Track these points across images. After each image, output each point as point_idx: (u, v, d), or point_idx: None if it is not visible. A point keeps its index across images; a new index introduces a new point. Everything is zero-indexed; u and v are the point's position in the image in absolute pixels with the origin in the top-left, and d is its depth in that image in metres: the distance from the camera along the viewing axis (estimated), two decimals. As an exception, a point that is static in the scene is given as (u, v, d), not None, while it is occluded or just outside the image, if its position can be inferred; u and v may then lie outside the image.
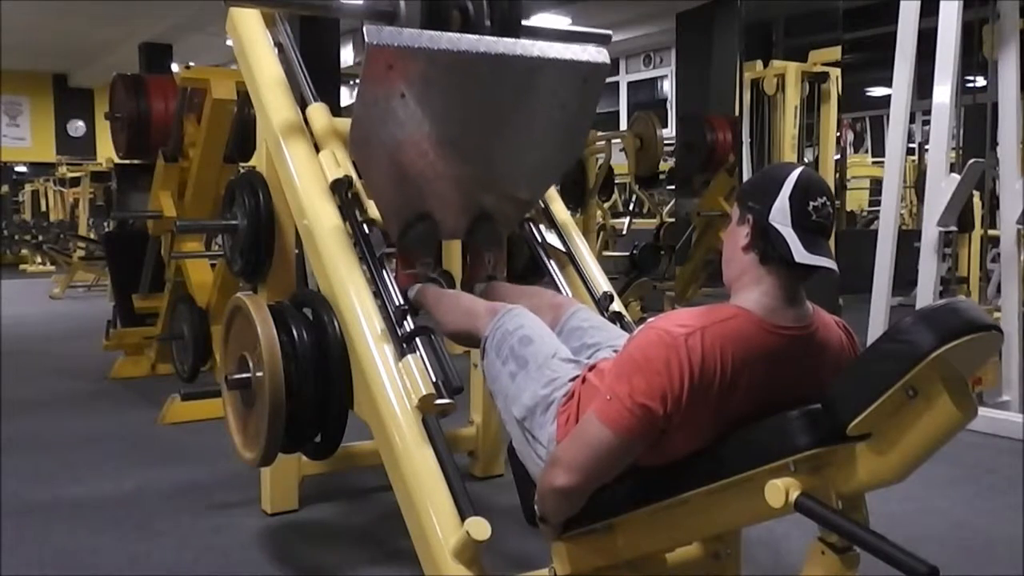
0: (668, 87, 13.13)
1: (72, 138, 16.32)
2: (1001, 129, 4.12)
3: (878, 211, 4.96)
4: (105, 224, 11.01)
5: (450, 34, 2.09)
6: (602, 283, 2.45)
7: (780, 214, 1.43)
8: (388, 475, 1.89)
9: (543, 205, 2.64)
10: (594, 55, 2.24)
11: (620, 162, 8.29)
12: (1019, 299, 4.06)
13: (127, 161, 5.08)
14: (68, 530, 2.68)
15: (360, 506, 2.97)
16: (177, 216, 4.33)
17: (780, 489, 1.32)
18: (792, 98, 6.61)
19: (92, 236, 11.34)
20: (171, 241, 4.52)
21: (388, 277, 2.11)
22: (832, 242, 1.53)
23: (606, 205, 9.10)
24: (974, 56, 4.31)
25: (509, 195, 2.44)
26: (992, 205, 4.99)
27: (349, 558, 2.51)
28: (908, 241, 4.33)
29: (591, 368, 1.71)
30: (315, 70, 2.57)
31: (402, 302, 2.04)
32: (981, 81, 4.50)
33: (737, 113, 7.08)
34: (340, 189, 2.21)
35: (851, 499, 1.39)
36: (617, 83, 14.02)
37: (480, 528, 1.63)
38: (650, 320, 1.50)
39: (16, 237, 14.04)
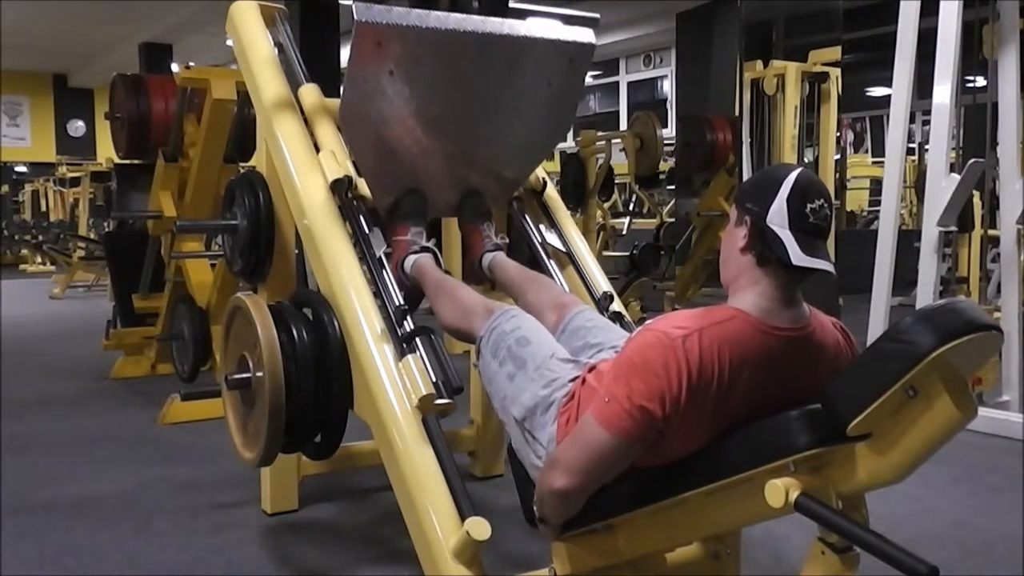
0: (668, 87, 13.13)
1: (72, 138, 16.33)
2: (1001, 129, 4.12)
3: (878, 211, 4.96)
4: (105, 224, 11.02)
5: (437, 12, 2.12)
6: (602, 283, 2.45)
7: (778, 216, 1.43)
8: (388, 475, 1.89)
9: (544, 205, 2.64)
10: (580, 35, 2.27)
11: (620, 162, 8.30)
12: (1019, 299, 4.06)
13: (127, 161, 5.08)
14: (68, 530, 2.68)
15: (360, 506, 2.97)
16: (177, 216, 4.33)
17: (780, 489, 1.32)
18: (792, 98, 6.60)
19: (92, 236, 11.34)
20: (171, 241, 4.52)
21: (388, 277, 2.11)
22: (832, 242, 1.53)
23: (606, 205, 9.10)
24: (974, 56, 4.31)
25: (496, 173, 2.49)
26: (992, 205, 5.00)
27: (349, 558, 2.51)
28: (908, 241, 4.34)
29: (591, 369, 1.71)
30: (315, 70, 2.57)
31: (402, 302, 2.04)
32: (981, 81, 4.50)
33: (737, 113, 7.08)
34: (340, 189, 2.21)
35: (851, 499, 1.39)
36: (617, 83, 14.03)
37: (480, 528, 1.64)
38: (648, 322, 1.51)
39: (16, 237, 14.04)
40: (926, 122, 6.25)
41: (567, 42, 2.26)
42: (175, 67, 9.21)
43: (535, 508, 1.64)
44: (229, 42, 2.66)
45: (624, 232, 9.50)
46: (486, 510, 1.70)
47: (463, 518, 1.68)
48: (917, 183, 8.63)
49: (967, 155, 4.57)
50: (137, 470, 3.27)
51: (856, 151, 12.33)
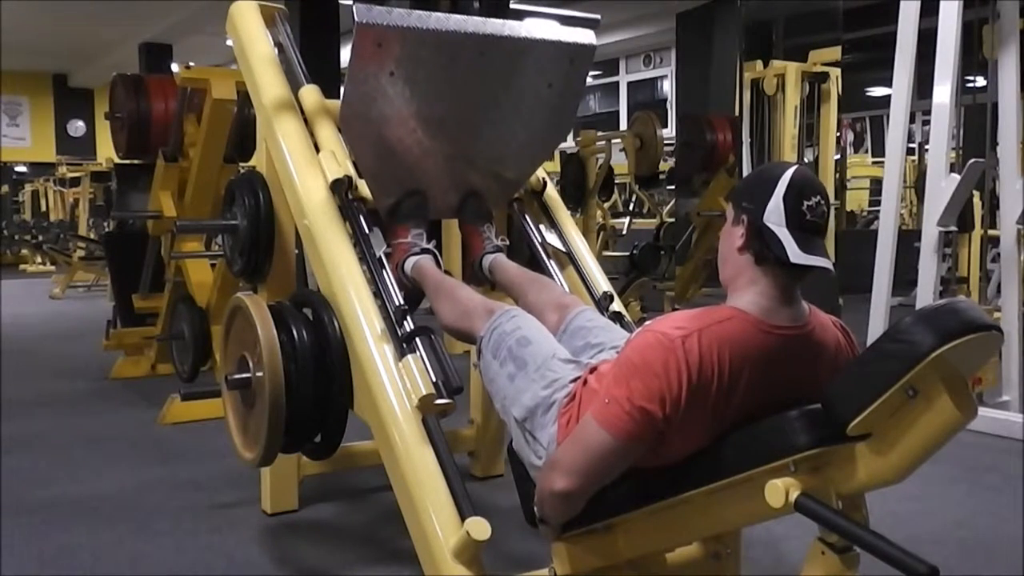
0: (668, 87, 13.13)
1: (72, 138, 16.32)
2: (1001, 129, 4.12)
3: (878, 211, 4.96)
4: (105, 224, 11.02)
5: (438, 14, 2.12)
6: (602, 283, 2.45)
7: (774, 214, 1.43)
8: (388, 475, 1.89)
9: (544, 205, 2.64)
10: (581, 36, 2.28)
11: (620, 162, 8.29)
12: (1019, 299, 4.06)
13: (127, 161, 5.08)
14: (68, 530, 2.68)
15: (360, 506, 2.97)
16: (177, 216, 4.33)
17: (780, 489, 1.32)
18: (792, 98, 6.61)
19: (92, 236, 11.33)
20: (171, 241, 4.52)
21: (388, 277, 2.11)
22: (832, 242, 1.53)
23: (606, 205, 9.10)
24: (974, 56, 4.31)
25: (497, 174, 2.49)
26: (992, 205, 4.99)
27: (349, 558, 2.51)
28: (908, 241, 4.33)
29: (592, 369, 1.71)
30: (315, 70, 2.57)
31: (402, 302, 2.04)
32: (981, 81, 4.50)
33: (737, 113, 7.08)
34: (340, 189, 2.21)
35: (851, 499, 1.39)
36: (617, 83, 14.03)
37: (480, 528, 1.64)
38: (647, 323, 1.50)
39: (16, 237, 14.04)
40: (926, 122, 6.25)
41: (568, 43, 2.26)
42: (175, 67, 9.20)
43: (535, 508, 1.64)
44: (229, 42, 2.66)
45: (624, 232, 9.50)
46: (486, 510, 1.70)
47: (463, 518, 1.68)
48: (917, 183, 8.63)
49: (967, 155, 4.57)
50: (137, 470, 3.27)
51: (856, 151, 12.33)
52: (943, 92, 3.94)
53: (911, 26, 4.04)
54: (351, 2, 2.03)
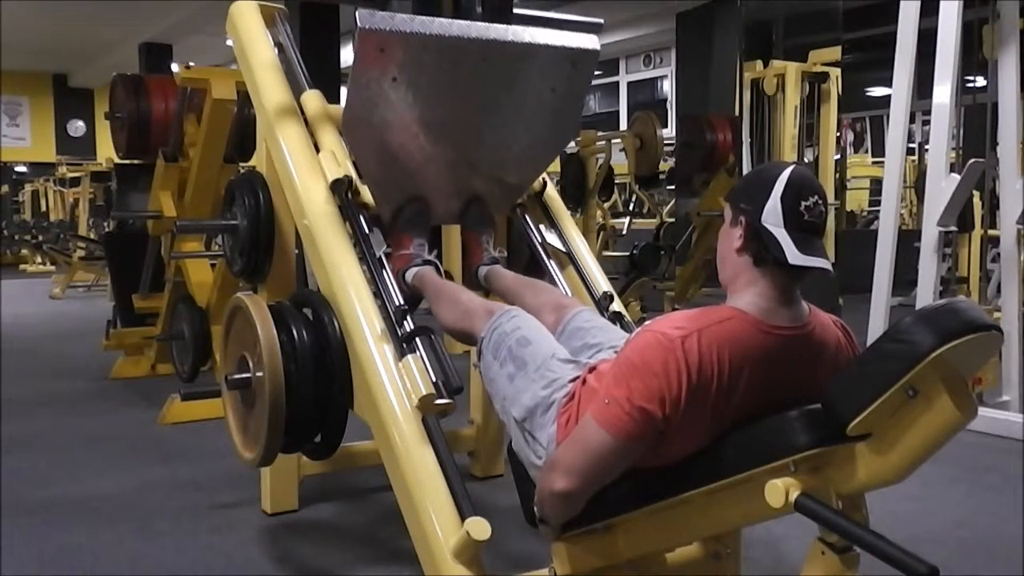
0: (668, 87, 13.12)
1: (72, 138, 16.32)
2: (1001, 129, 4.12)
3: (878, 211, 4.96)
4: (105, 224, 11.02)
5: (441, 19, 2.12)
6: (602, 283, 2.45)
7: (772, 215, 1.43)
8: (388, 475, 1.89)
9: (544, 205, 2.64)
10: (583, 41, 2.27)
11: (620, 162, 8.29)
12: (1019, 299, 4.06)
13: (127, 161, 5.08)
14: (68, 530, 2.68)
15: (360, 506, 2.97)
16: (177, 216, 4.33)
17: (780, 489, 1.32)
18: (792, 98, 6.61)
19: (92, 236, 11.34)
20: (171, 241, 4.52)
21: (388, 277, 2.11)
22: (832, 242, 1.53)
23: (606, 205, 9.09)
24: (974, 56, 4.31)
25: (499, 179, 2.48)
26: (992, 205, 4.99)
27: (349, 558, 2.51)
28: (908, 241, 4.33)
29: (591, 369, 1.71)
30: (315, 70, 2.57)
31: (402, 302, 2.04)
32: (981, 81, 4.50)
33: (737, 113, 7.08)
34: (340, 189, 2.21)
35: (851, 499, 1.39)
36: (617, 83, 14.02)
37: (480, 528, 1.64)
38: (647, 323, 1.50)
39: (16, 237, 14.03)
40: (926, 122, 6.25)
41: (571, 48, 2.25)
42: (175, 67, 9.21)
43: (535, 508, 1.64)
44: (229, 42, 2.66)
45: (624, 232, 9.49)
46: (486, 510, 1.70)
47: (463, 518, 1.68)
48: (917, 183, 8.62)
49: (967, 155, 4.57)
50: (137, 470, 3.27)
51: (856, 151, 12.33)
52: (943, 92, 3.94)
53: (911, 26, 4.04)
54: (351, 4, 2.03)
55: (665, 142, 7.58)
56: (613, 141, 7.70)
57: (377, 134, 2.20)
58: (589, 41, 2.29)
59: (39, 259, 13.09)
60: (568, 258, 2.52)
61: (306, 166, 2.28)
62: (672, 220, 8.10)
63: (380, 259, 2.13)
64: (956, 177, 3.91)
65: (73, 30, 11.79)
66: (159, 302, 4.71)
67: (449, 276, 2.39)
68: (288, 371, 1.99)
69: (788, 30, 7.33)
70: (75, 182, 13.57)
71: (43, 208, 14.86)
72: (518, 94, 2.28)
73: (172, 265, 4.51)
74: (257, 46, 2.52)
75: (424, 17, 2.09)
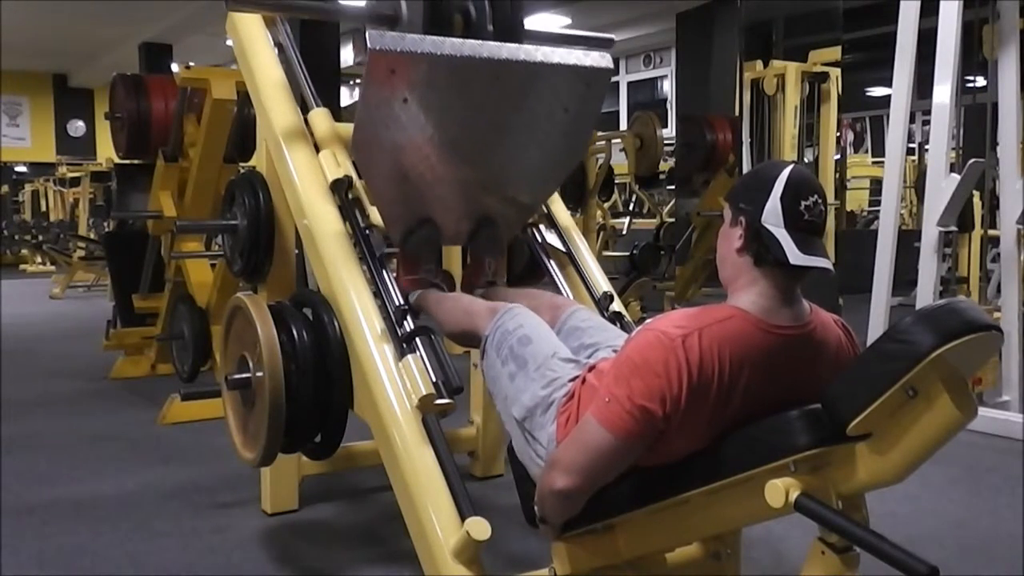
0: (668, 87, 13.12)
1: (72, 138, 16.31)
2: (1001, 129, 4.12)
3: (878, 211, 4.96)
4: (105, 224, 11.02)
5: (452, 39, 2.08)
6: (602, 283, 2.45)
7: (772, 215, 1.43)
8: (388, 475, 1.90)
9: (544, 207, 2.64)
10: (597, 60, 2.23)
11: (620, 162, 8.28)
12: (1019, 299, 4.06)
13: (127, 161, 5.07)
14: (68, 530, 2.68)
15: (360, 506, 2.97)
16: (177, 216, 4.33)
17: (780, 489, 1.32)
18: (792, 98, 6.61)
19: (92, 236, 11.34)
20: (171, 241, 4.52)
21: (388, 277, 2.11)
22: (832, 242, 1.53)
23: (606, 205, 9.09)
24: (974, 56, 4.31)
25: (511, 199, 2.44)
26: (992, 205, 4.99)
27: (349, 558, 2.51)
28: (908, 241, 4.33)
29: (591, 368, 1.71)
30: (315, 70, 2.56)
31: (402, 302, 2.04)
32: (981, 81, 4.50)
33: (737, 113, 7.08)
34: (340, 189, 2.21)
35: (851, 499, 1.39)
36: (617, 83, 14.00)
37: (480, 528, 1.63)
38: (648, 322, 1.50)
39: (16, 237, 14.03)
40: (926, 122, 6.24)
41: (583, 67, 2.20)
42: (175, 67, 9.21)
43: (535, 508, 1.64)
44: (229, 42, 2.66)
45: (624, 232, 9.49)
46: (486, 510, 1.70)
47: (463, 518, 1.68)
48: (917, 183, 8.62)
49: (967, 155, 4.56)
50: (137, 470, 3.27)
51: (856, 151, 12.32)
52: (943, 92, 3.94)
53: (911, 26, 4.04)
54: (361, 27, 2.00)
55: (665, 142, 7.58)
56: (613, 141, 7.69)
57: (388, 155, 2.16)
58: (602, 60, 2.24)
59: (39, 259, 13.08)
60: (568, 258, 2.52)
61: (306, 166, 2.28)
62: (672, 220, 8.10)
63: (380, 259, 2.13)
64: (956, 177, 3.91)
65: (73, 30, 11.78)
66: (159, 302, 4.71)
67: (450, 277, 2.39)
68: (288, 371, 1.99)
69: (788, 30, 7.33)
70: (75, 182, 13.57)
71: (43, 208, 14.86)
72: (530, 114, 2.24)
73: (172, 265, 4.51)
74: (256, 46, 2.52)
75: (435, 37, 2.05)
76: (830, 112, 6.77)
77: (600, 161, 7.64)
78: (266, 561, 2.47)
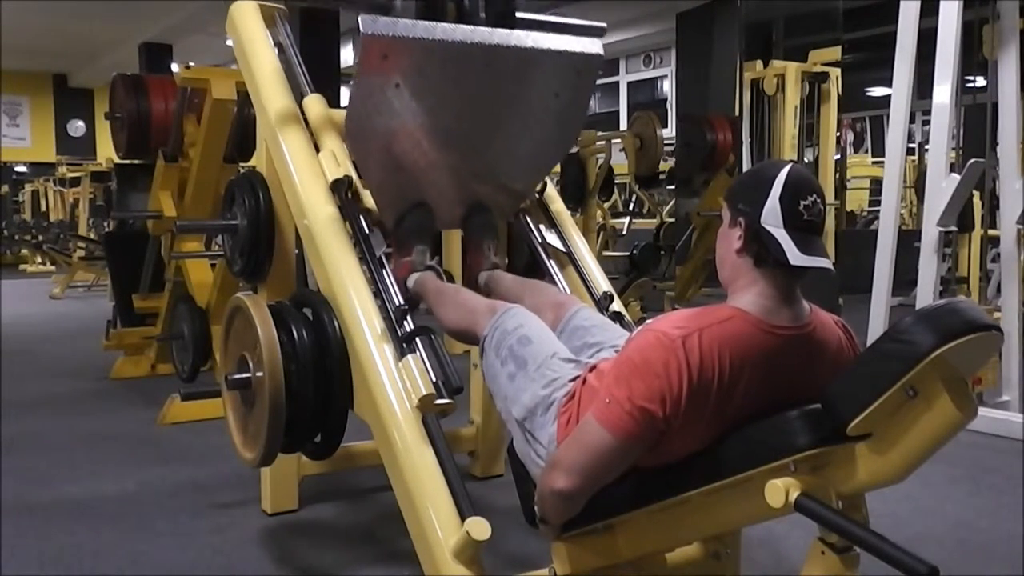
0: (668, 87, 13.12)
1: (72, 138, 16.32)
2: (1001, 129, 4.12)
3: (878, 211, 4.96)
4: (105, 224, 11.02)
5: (444, 25, 2.11)
6: (602, 283, 2.45)
7: (771, 216, 1.43)
8: (388, 475, 1.89)
9: (544, 205, 2.64)
10: (588, 46, 2.26)
11: (620, 162, 8.28)
12: (1019, 299, 4.06)
13: (127, 161, 5.08)
14: (68, 530, 2.68)
15: (360, 506, 2.97)
16: (177, 216, 4.34)
17: (780, 489, 1.32)
18: (792, 98, 6.61)
19: (92, 236, 11.34)
20: (171, 241, 4.52)
21: (388, 277, 2.11)
22: (832, 242, 1.53)
23: (606, 205, 9.09)
24: (974, 56, 4.31)
25: (503, 185, 2.47)
26: (992, 205, 4.99)
27: (349, 558, 2.51)
28: (908, 241, 4.33)
29: (592, 368, 1.71)
30: (315, 70, 2.57)
31: (402, 302, 2.04)
32: (981, 81, 4.50)
33: (737, 113, 7.08)
34: (340, 189, 2.21)
35: (851, 499, 1.39)
36: (617, 83, 14.01)
37: (480, 528, 1.63)
38: (648, 322, 1.50)
39: (16, 237, 14.03)
40: (926, 122, 6.24)
41: (574, 53, 2.24)
42: (175, 67, 9.21)
43: (535, 508, 1.64)
44: (229, 42, 2.66)
45: (624, 232, 9.49)
46: (486, 510, 1.70)
47: (463, 518, 1.68)
48: (917, 183, 8.62)
49: (967, 155, 4.56)
50: (137, 470, 3.27)
51: (856, 151, 12.33)
52: (943, 92, 3.94)
53: (911, 26, 4.04)
54: (355, 12, 2.02)
55: (665, 142, 7.58)
56: (613, 141, 7.69)
57: (380, 140, 2.19)
58: (593, 46, 2.27)
59: (39, 259, 13.09)
60: (568, 258, 2.52)
61: (306, 166, 2.28)
62: (672, 220, 8.10)
63: (380, 259, 2.13)
64: (956, 177, 3.91)
65: (73, 30, 11.78)
66: (159, 302, 4.71)
67: (450, 277, 2.39)
68: (288, 371, 1.99)
69: (788, 30, 7.33)
70: (75, 182, 13.56)
71: (43, 208, 14.86)
72: (522, 100, 2.27)
73: (172, 265, 4.51)
74: (257, 46, 2.52)
75: (427, 23, 2.08)
76: (830, 112, 6.77)
77: (600, 161, 7.64)
78: (266, 561, 2.47)
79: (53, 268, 12.05)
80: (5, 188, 15.05)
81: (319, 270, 2.17)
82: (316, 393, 2.03)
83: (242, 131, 4.19)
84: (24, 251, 13.73)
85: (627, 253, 7.38)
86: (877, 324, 4.09)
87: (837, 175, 7.16)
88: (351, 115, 2.13)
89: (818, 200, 1.44)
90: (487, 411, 3.07)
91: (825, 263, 1.43)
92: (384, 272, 2.11)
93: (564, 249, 2.54)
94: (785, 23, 7.33)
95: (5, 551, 2.50)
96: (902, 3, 4.06)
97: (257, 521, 2.75)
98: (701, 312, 1.47)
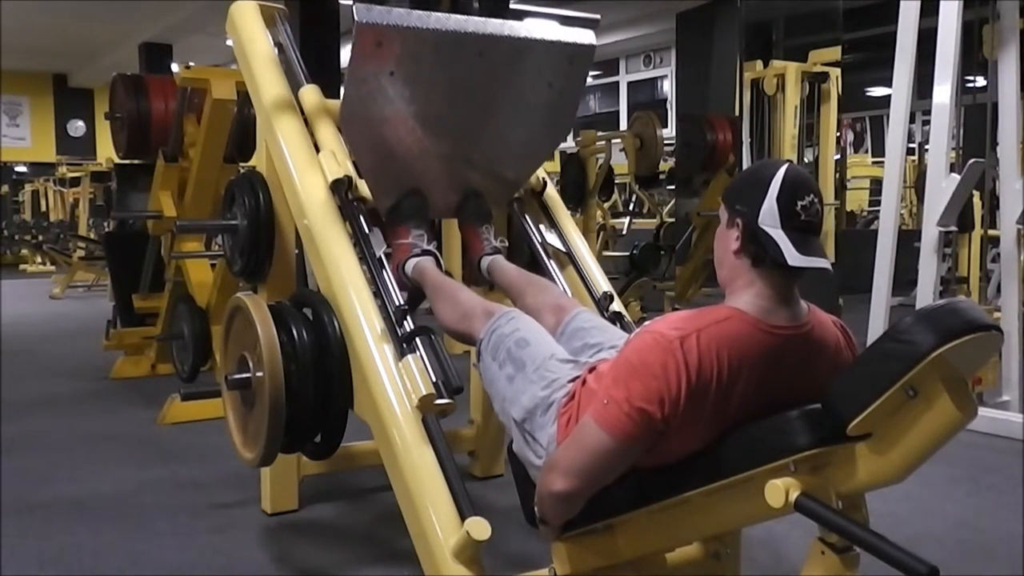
0: (668, 87, 13.12)
1: (72, 138, 16.31)
2: (1001, 129, 4.12)
3: (878, 211, 4.96)
4: (105, 224, 11.02)
5: (438, 14, 2.13)
6: (602, 283, 2.45)
7: (769, 216, 1.42)
8: (388, 475, 1.89)
9: (544, 205, 2.64)
10: (580, 36, 2.28)
11: (620, 162, 8.29)
12: (1019, 299, 4.06)
13: (127, 161, 5.08)
14: (68, 530, 2.68)
15: (360, 506, 2.97)
16: (177, 216, 4.34)
17: (780, 489, 1.32)
18: (792, 98, 6.61)
19: (92, 236, 11.34)
20: (171, 241, 4.52)
21: (388, 277, 2.11)
22: (832, 242, 1.53)
23: (606, 205, 9.09)
24: (974, 56, 4.31)
25: (497, 173, 2.49)
26: (992, 205, 4.99)
27: (349, 558, 2.51)
28: (908, 241, 4.33)
29: (591, 369, 1.71)
30: (315, 70, 2.57)
31: (402, 302, 2.04)
32: (981, 81, 4.50)
33: (737, 113, 7.08)
34: (340, 189, 2.21)
35: (851, 499, 1.39)
36: (617, 83, 14.02)
37: (480, 528, 1.64)
38: (646, 323, 1.50)
39: (16, 237, 14.03)
40: (926, 122, 6.25)
41: (567, 43, 2.26)
42: (175, 67, 9.21)
43: (535, 509, 1.64)
44: (229, 42, 2.66)
45: (624, 232, 9.50)
46: (486, 510, 1.70)
47: (463, 518, 1.68)
48: (917, 183, 8.63)
49: (967, 155, 4.56)
50: (137, 470, 3.27)
51: (856, 151, 12.34)
52: (943, 92, 3.94)
53: (911, 26, 4.04)
54: (351, 2, 2.03)
55: (665, 142, 7.58)
56: (613, 141, 7.70)
57: (375, 128, 2.21)
58: (585, 36, 2.30)
59: (39, 259, 13.09)
60: (568, 258, 2.52)
61: (306, 166, 2.28)
62: (672, 220, 8.10)
63: (380, 259, 2.14)
64: (956, 177, 3.91)
65: (73, 30, 11.78)
66: (159, 302, 4.71)
67: (449, 275, 2.39)
68: (288, 371, 1.99)
69: (788, 30, 7.34)
70: (75, 182, 13.57)
71: (43, 208, 14.86)
72: (515, 89, 2.29)
73: (172, 265, 4.51)
74: (257, 46, 2.52)
75: (421, 11, 2.10)
76: (830, 112, 6.78)
77: (600, 161, 7.64)
78: (266, 561, 2.47)
79: (53, 268, 12.06)
80: (5, 188, 15.05)
81: (319, 270, 2.17)
82: (316, 393, 2.03)
83: (242, 131, 4.19)
84: (24, 251, 13.73)
85: (627, 253, 7.39)
86: (877, 324, 4.09)
87: (837, 175, 7.16)
88: (346, 103, 2.15)
89: (815, 200, 1.44)
90: (487, 411, 3.07)
91: (823, 263, 1.43)
92: (384, 272, 2.12)
93: (564, 249, 2.54)
94: (785, 23, 7.34)
95: (5, 551, 2.50)
96: (902, 3, 4.06)
97: (257, 521, 2.75)
98: (699, 313, 1.47)
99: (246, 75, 2.54)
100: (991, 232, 5.49)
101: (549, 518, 1.62)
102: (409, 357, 1.91)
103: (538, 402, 1.71)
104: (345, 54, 9.58)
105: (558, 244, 2.55)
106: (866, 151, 12.48)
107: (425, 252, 2.27)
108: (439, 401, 1.87)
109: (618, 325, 2.17)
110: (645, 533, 1.63)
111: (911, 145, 8.91)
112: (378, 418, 1.90)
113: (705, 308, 1.49)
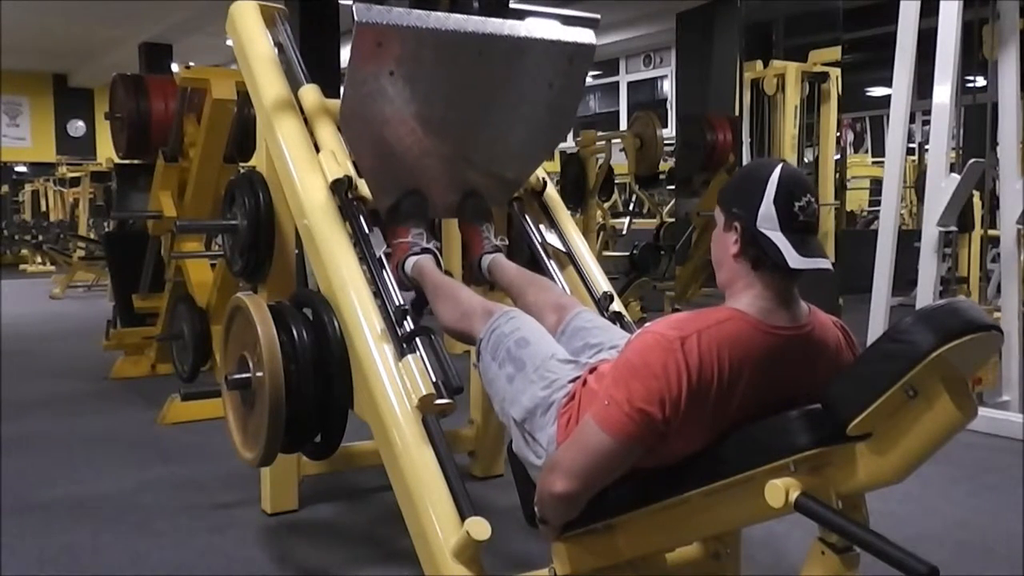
0: (668, 87, 13.13)
1: (72, 138, 16.32)
2: (1001, 129, 4.12)
3: (878, 211, 4.96)
4: (105, 224, 11.02)
5: (438, 13, 2.13)
6: (602, 283, 2.45)
7: (767, 219, 1.42)
8: (388, 475, 1.89)
9: (544, 205, 2.64)
10: (580, 35, 2.28)
11: (620, 162, 8.29)
12: (1019, 299, 4.06)
13: (127, 161, 5.08)
14: (68, 530, 2.68)
15: (360, 506, 2.97)
16: (177, 216, 4.34)
17: (780, 489, 1.32)
18: (792, 98, 6.61)
19: (92, 236, 11.34)
20: (171, 241, 4.52)
21: (388, 277, 2.11)
22: (832, 242, 1.53)
23: (606, 205, 9.09)
24: (974, 56, 4.31)
25: (496, 173, 2.49)
26: (992, 205, 5.00)
27: (349, 558, 2.51)
28: (908, 241, 4.34)
29: (592, 370, 1.71)
30: (315, 70, 2.57)
31: (402, 302, 2.04)
32: (981, 81, 4.50)
33: (737, 113, 7.08)
34: (340, 189, 2.21)
35: (851, 499, 1.39)
36: (617, 83, 14.02)
37: (480, 528, 1.63)
38: (647, 324, 1.50)
39: (16, 237, 14.03)
40: (926, 122, 6.25)
41: (567, 42, 2.26)
42: (175, 67, 9.21)
43: (535, 509, 1.64)
44: (229, 42, 2.66)
45: (624, 232, 9.50)
46: (486, 510, 1.70)
47: (463, 518, 1.68)
48: (917, 183, 8.63)
49: (967, 155, 4.57)
50: (137, 470, 3.27)
51: (856, 151, 12.34)
52: (943, 92, 3.94)
53: (911, 26, 4.04)
54: (351, 2, 2.03)
55: (665, 142, 7.59)
56: (613, 141, 7.70)
57: (374, 128, 2.21)
58: (585, 35, 2.30)
59: (39, 259, 13.08)
60: (568, 258, 2.52)
61: (306, 165, 2.28)
62: (672, 220, 8.11)
63: (380, 259, 2.14)
64: (956, 177, 3.91)
65: (73, 30, 11.78)
66: (159, 302, 4.71)
67: (449, 275, 2.39)
68: (288, 371, 1.99)
69: (788, 30, 7.34)
70: (75, 182, 13.56)
71: (43, 208, 14.86)
72: (514, 89, 2.29)
73: (172, 265, 4.51)
74: (257, 46, 2.52)
75: (420, 11, 2.10)
76: (830, 112, 6.78)
77: (600, 161, 7.65)
78: (266, 561, 2.47)
79: (53, 268, 12.05)
80: (5, 188, 15.04)
81: (319, 270, 2.17)
82: (316, 393, 2.03)
83: (242, 131, 4.19)
84: (24, 251, 13.72)
85: (627, 253, 7.39)
86: (877, 324, 4.09)
87: (837, 175, 7.16)
88: (345, 103, 2.15)
89: (812, 199, 1.44)
90: (487, 411, 3.07)
91: (824, 263, 1.43)
92: (384, 272, 2.12)
93: (564, 249, 2.54)
94: (785, 23, 7.34)
95: (5, 551, 2.50)
96: (902, 3, 4.06)
97: (257, 521, 2.75)
98: (699, 314, 1.47)
99: (246, 75, 2.54)
100: (991, 232, 5.49)
101: (549, 518, 1.62)
102: (409, 357, 1.91)
103: (538, 402, 1.71)
104: (345, 54, 9.58)
105: (558, 244, 2.55)
106: (866, 151, 12.48)
107: (424, 251, 2.27)
108: (439, 401, 1.87)
109: (618, 325, 2.17)
110: (645, 533, 1.63)
111: (911, 145, 8.91)
112: (378, 418, 1.90)
113: (706, 309, 1.49)
